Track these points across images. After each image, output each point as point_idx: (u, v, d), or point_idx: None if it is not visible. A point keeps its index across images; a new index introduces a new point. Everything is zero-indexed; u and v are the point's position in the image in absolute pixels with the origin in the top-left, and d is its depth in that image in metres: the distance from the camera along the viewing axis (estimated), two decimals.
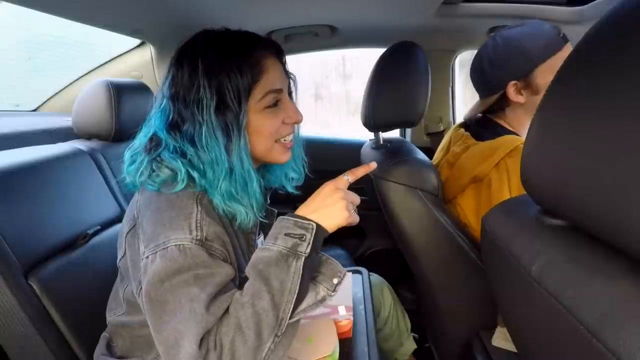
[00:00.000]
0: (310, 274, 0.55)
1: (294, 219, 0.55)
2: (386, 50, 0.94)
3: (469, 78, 0.93)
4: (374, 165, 0.64)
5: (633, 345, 0.25)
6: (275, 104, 0.62)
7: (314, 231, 0.53)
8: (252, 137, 0.61)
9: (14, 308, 0.69)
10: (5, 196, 0.75)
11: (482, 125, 0.91)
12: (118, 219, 0.98)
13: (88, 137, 1.11)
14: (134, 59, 1.41)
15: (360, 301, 0.90)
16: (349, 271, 0.95)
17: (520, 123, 0.87)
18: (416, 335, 1.14)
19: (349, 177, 0.60)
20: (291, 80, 0.69)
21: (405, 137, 1.67)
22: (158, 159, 0.59)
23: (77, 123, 1.10)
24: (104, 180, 1.02)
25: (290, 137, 0.66)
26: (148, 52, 1.38)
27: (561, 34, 0.80)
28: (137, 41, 1.36)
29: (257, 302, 0.50)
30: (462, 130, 0.95)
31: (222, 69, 0.57)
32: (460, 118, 1.58)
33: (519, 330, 0.49)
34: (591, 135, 0.30)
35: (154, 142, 0.61)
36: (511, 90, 0.83)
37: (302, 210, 0.57)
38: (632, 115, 0.26)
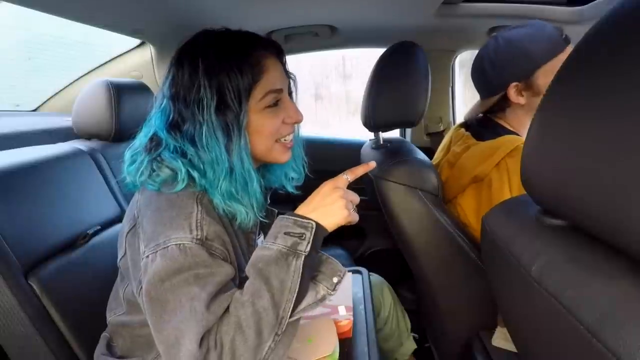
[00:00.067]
0: (310, 273, 0.55)
1: (293, 217, 0.55)
2: (386, 50, 0.94)
3: (469, 78, 0.93)
4: (373, 164, 0.64)
5: (633, 345, 0.25)
6: (275, 104, 0.62)
7: (314, 230, 0.54)
8: (252, 137, 0.61)
9: (14, 308, 0.69)
10: (5, 196, 0.75)
11: (483, 125, 0.91)
12: (118, 219, 0.98)
13: (88, 137, 1.11)
14: (134, 59, 1.41)
15: (360, 301, 0.91)
16: (349, 271, 0.95)
17: (521, 123, 0.87)
18: (416, 335, 1.14)
19: (348, 176, 0.60)
20: (291, 80, 0.69)
21: (405, 137, 1.67)
22: (158, 158, 0.59)
23: (77, 123, 1.10)
24: (104, 180, 1.02)
25: (290, 137, 0.66)
26: (148, 52, 1.38)
27: (563, 36, 0.79)
28: (137, 41, 1.36)
29: (257, 301, 0.50)
30: (463, 130, 0.95)
31: (222, 68, 0.57)
32: (460, 118, 1.59)
33: (519, 330, 0.49)
34: (591, 135, 0.30)
35: (155, 142, 0.61)
36: (512, 91, 0.83)
37: (301, 209, 0.57)
38: (632, 115, 0.26)
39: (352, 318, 0.81)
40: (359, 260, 1.59)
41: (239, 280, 0.58)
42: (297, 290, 0.51)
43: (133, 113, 1.09)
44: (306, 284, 0.54)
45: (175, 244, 0.52)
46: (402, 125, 0.99)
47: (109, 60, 1.43)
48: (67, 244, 0.83)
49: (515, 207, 0.49)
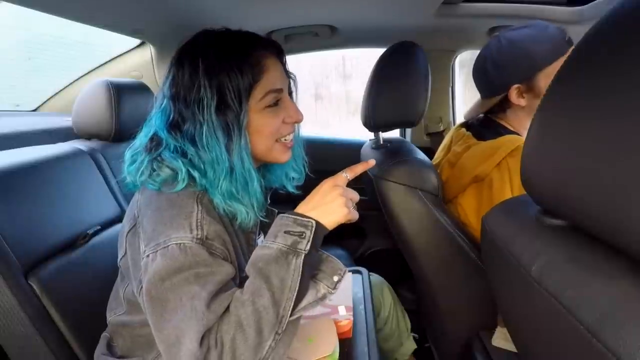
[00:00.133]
0: (311, 272, 0.55)
1: (293, 216, 0.55)
2: (386, 50, 0.94)
3: (469, 78, 0.93)
4: (372, 162, 0.64)
5: (633, 345, 0.25)
6: (275, 104, 0.62)
7: (314, 228, 0.54)
8: (252, 137, 0.61)
9: (14, 308, 0.69)
10: (5, 196, 0.75)
11: (484, 125, 0.91)
12: (118, 219, 0.98)
13: (88, 137, 1.11)
14: (134, 59, 1.41)
15: (360, 301, 0.91)
16: (349, 271, 0.95)
17: (522, 124, 0.87)
18: (416, 335, 1.14)
19: (347, 174, 0.60)
20: (291, 80, 0.69)
21: (405, 137, 1.67)
22: (159, 158, 0.59)
23: (77, 123, 1.10)
24: (104, 180, 1.02)
25: (290, 137, 0.66)
26: (148, 52, 1.38)
27: (567, 38, 0.78)
28: (137, 41, 1.36)
29: (258, 300, 0.50)
30: (464, 130, 0.95)
31: (222, 68, 0.57)
32: (460, 118, 1.59)
33: (519, 330, 0.49)
34: (591, 135, 0.30)
35: (155, 142, 0.61)
36: (513, 93, 0.83)
37: (301, 208, 0.57)
38: (632, 115, 0.26)
39: (352, 318, 0.81)
40: (359, 260, 1.59)
41: (239, 280, 0.58)
42: (297, 288, 0.51)
43: (133, 113, 1.09)
44: (306, 282, 0.54)
45: (176, 244, 0.52)
46: (402, 125, 0.99)
47: (109, 60, 1.43)
48: (67, 244, 0.83)
49: (515, 207, 0.49)
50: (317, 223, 0.54)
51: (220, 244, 0.56)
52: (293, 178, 0.76)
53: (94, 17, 1.01)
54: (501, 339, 0.82)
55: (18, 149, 0.94)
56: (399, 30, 1.30)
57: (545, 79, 0.79)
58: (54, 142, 1.05)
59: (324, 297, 0.55)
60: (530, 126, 0.39)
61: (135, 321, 0.66)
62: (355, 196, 0.59)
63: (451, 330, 0.95)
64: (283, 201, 0.82)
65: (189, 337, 0.48)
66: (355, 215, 0.58)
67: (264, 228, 0.73)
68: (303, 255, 0.52)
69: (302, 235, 0.53)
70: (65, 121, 1.21)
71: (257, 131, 0.61)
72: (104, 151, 1.06)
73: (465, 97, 1.63)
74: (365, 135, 1.20)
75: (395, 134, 1.68)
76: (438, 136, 1.58)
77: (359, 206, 0.60)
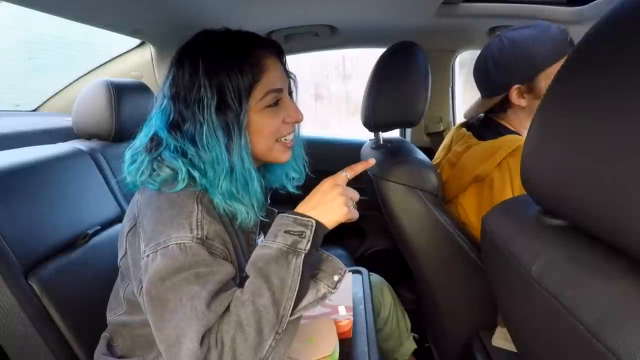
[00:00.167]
0: (311, 271, 0.55)
1: (293, 216, 0.55)
2: (386, 50, 0.94)
3: (469, 78, 0.93)
4: (372, 161, 0.64)
5: (633, 345, 0.25)
6: (275, 104, 0.62)
7: (314, 228, 0.54)
8: (252, 137, 0.61)
9: (14, 308, 0.69)
10: (5, 196, 0.75)
11: (485, 125, 0.91)
12: (118, 219, 0.98)
13: (88, 137, 1.11)
14: (134, 59, 1.41)
15: (360, 301, 0.91)
16: (349, 271, 0.95)
17: (522, 124, 0.87)
18: (416, 335, 1.14)
19: (347, 174, 0.60)
20: (291, 80, 0.69)
21: (405, 137, 1.67)
22: (159, 158, 0.59)
23: (77, 123, 1.10)
24: (104, 180, 1.02)
25: (290, 137, 0.66)
26: (148, 52, 1.38)
27: (568, 39, 0.78)
28: (137, 41, 1.36)
29: (258, 300, 0.50)
30: (464, 129, 0.94)
31: (222, 68, 0.57)
32: (460, 118, 1.59)
33: (519, 330, 0.49)
34: (591, 135, 0.30)
35: (155, 142, 0.61)
36: (514, 93, 0.83)
37: (301, 208, 0.57)
38: (632, 115, 0.26)
39: (352, 318, 0.81)
40: (359, 260, 1.59)
41: (240, 280, 0.58)
42: (297, 288, 0.51)
43: (133, 113, 1.09)
44: (306, 282, 0.54)
45: (176, 243, 0.52)
46: (402, 125, 0.99)
47: (109, 60, 1.43)
48: (67, 244, 0.83)
49: (515, 207, 0.49)
50: (317, 222, 0.54)
51: (221, 244, 0.56)
52: (293, 178, 0.76)
53: (94, 17, 1.01)
54: (501, 339, 0.82)
55: (18, 149, 0.94)
56: (399, 30, 1.30)
57: (546, 79, 0.79)
58: (54, 142, 1.05)
59: (324, 297, 0.55)
60: (530, 126, 0.39)
61: (136, 321, 0.66)
62: (355, 195, 0.59)
63: (451, 330, 0.95)
64: (283, 201, 0.82)
65: (189, 337, 0.48)
66: (355, 215, 0.58)
67: (264, 228, 0.73)
68: (303, 255, 0.52)
69: (302, 234, 0.53)
70: (65, 121, 1.21)
71: (257, 131, 0.61)
72: (104, 151, 1.06)
73: (465, 97, 1.63)
74: (365, 135, 1.20)
75: (395, 134, 1.68)
76: (438, 136, 1.58)
77: (359, 206, 0.60)
